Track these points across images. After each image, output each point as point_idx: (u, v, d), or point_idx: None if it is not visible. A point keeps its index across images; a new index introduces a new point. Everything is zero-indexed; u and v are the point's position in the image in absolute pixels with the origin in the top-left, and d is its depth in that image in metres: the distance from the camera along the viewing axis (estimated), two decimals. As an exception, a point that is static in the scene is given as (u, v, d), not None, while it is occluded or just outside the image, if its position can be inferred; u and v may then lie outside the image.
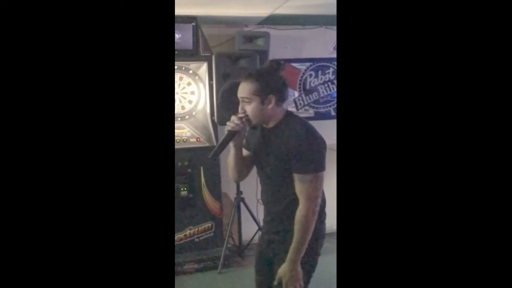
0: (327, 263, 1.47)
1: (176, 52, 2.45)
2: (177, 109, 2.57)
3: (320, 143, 1.32)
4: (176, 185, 2.48)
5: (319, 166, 1.28)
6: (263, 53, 2.72)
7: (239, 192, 2.71)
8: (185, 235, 2.59)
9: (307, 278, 1.36)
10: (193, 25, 2.49)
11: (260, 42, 2.76)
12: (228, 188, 2.83)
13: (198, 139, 2.63)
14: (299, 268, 1.26)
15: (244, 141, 1.45)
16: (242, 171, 1.46)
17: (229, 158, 1.44)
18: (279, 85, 1.34)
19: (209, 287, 2.41)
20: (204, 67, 2.59)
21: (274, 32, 2.85)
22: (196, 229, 2.66)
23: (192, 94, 2.62)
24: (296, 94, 3.11)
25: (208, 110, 2.62)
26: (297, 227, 1.27)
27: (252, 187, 2.68)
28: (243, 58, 2.64)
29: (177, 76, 2.56)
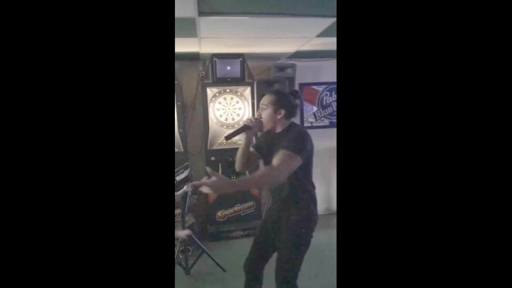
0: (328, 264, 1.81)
1: (228, 79, 3.09)
2: (229, 120, 3.21)
3: (306, 140, 1.44)
4: (229, 175, 3.07)
5: (297, 151, 1.37)
6: (291, 79, 3.28)
7: None
8: (234, 211, 3.24)
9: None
10: (240, 60, 3.08)
11: (289, 71, 3.28)
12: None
13: (243, 142, 3.26)
14: (215, 187, 1.16)
15: (254, 140, 1.66)
16: (244, 163, 1.63)
17: (238, 151, 1.63)
18: (291, 105, 1.53)
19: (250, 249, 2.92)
20: (248, 90, 3.18)
21: (299, 63, 3.38)
22: (242, 206, 3.26)
23: (239, 109, 3.22)
24: (315, 108, 3.65)
25: None
26: (257, 172, 1.39)
27: None
28: (276, 82, 3.17)
29: (229, 96, 3.18)
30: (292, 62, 3.41)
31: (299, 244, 1.53)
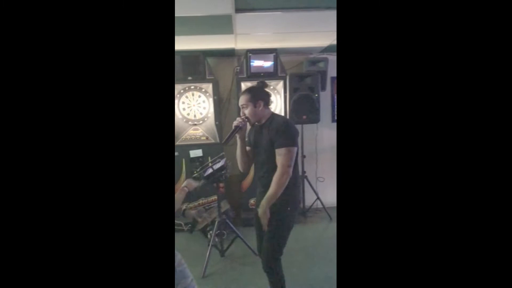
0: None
1: (262, 74, 3.18)
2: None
3: (293, 130, 1.61)
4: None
5: (291, 143, 1.58)
6: (323, 73, 3.33)
7: (303, 171, 3.38)
8: None
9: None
10: (274, 55, 3.18)
11: (321, 65, 3.36)
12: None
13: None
14: (267, 212, 1.58)
15: (246, 138, 1.79)
16: (245, 162, 1.80)
17: (236, 151, 1.78)
18: (264, 95, 1.70)
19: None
20: (281, 84, 3.27)
21: (331, 57, 3.43)
22: None
23: (273, 103, 3.24)
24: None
25: (283, 113, 3.29)
26: (272, 183, 1.58)
27: (313, 168, 3.46)
28: (308, 76, 3.22)
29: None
30: (324, 56, 3.46)
31: (284, 222, 1.67)
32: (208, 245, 2.64)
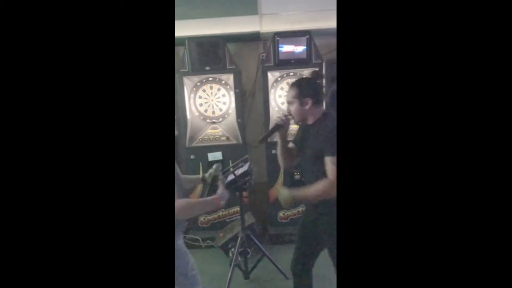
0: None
1: (292, 61, 2.87)
2: None
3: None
4: (291, 171, 2.94)
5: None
6: None
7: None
8: (298, 211, 3.02)
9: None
10: (307, 38, 2.81)
11: None
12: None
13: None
14: (292, 201, 1.56)
15: (294, 136, 1.76)
16: (287, 160, 1.76)
17: (278, 149, 1.75)
18: (316, 92, 1.59)
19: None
20: None
21: None
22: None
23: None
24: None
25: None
26: (316, 185, 1.51)
27: None
28: None
29: (293, 80, 3.02)
30: (368, 37, 3.03)
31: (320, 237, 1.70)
32: (230, 265, 2.43)
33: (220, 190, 1.51)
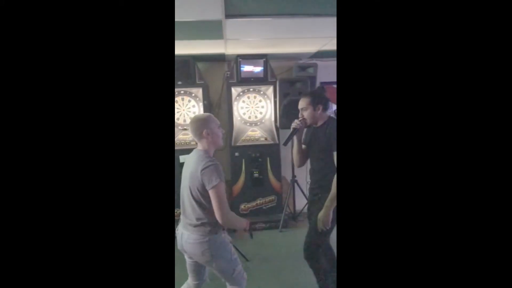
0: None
1: (252, 79, 3.24)
2: (252, 118, 3.38)
3: None
4: (251, 170, 3.30)
5: None
6: (313, 78, 3.36)
7: (293, 176, 3.42)
8: (256, 204, 3.39)
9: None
10: (264, 60, 3.23)
11: (310, 70, 3.37)
12: (286, 172, 3.53)
13: (265, 138, 3.35)
14: (331, 213, 1.69)
15: (303, 138, 1.93)
16: (300, 159, 1.94)
17: (293, 149, 1.94)
18: (324, 99, 1.84)
19: (272, 241, 3.08)
20: (271, 89, 3.32)
21: (320, 63, 3.46)
22: (264, 200, 3.40)
23: (262, 107, 3.40)
24: (335, 107, 3.57)
25: (272, 118, 3.36)
26: (334, 185, 1.67)
27: (303, 173, 3.34)
28: (298, 82, 3.26)
29: (252, 95, 3.34)
30: (313, 61, 3.51)
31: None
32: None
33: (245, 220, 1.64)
